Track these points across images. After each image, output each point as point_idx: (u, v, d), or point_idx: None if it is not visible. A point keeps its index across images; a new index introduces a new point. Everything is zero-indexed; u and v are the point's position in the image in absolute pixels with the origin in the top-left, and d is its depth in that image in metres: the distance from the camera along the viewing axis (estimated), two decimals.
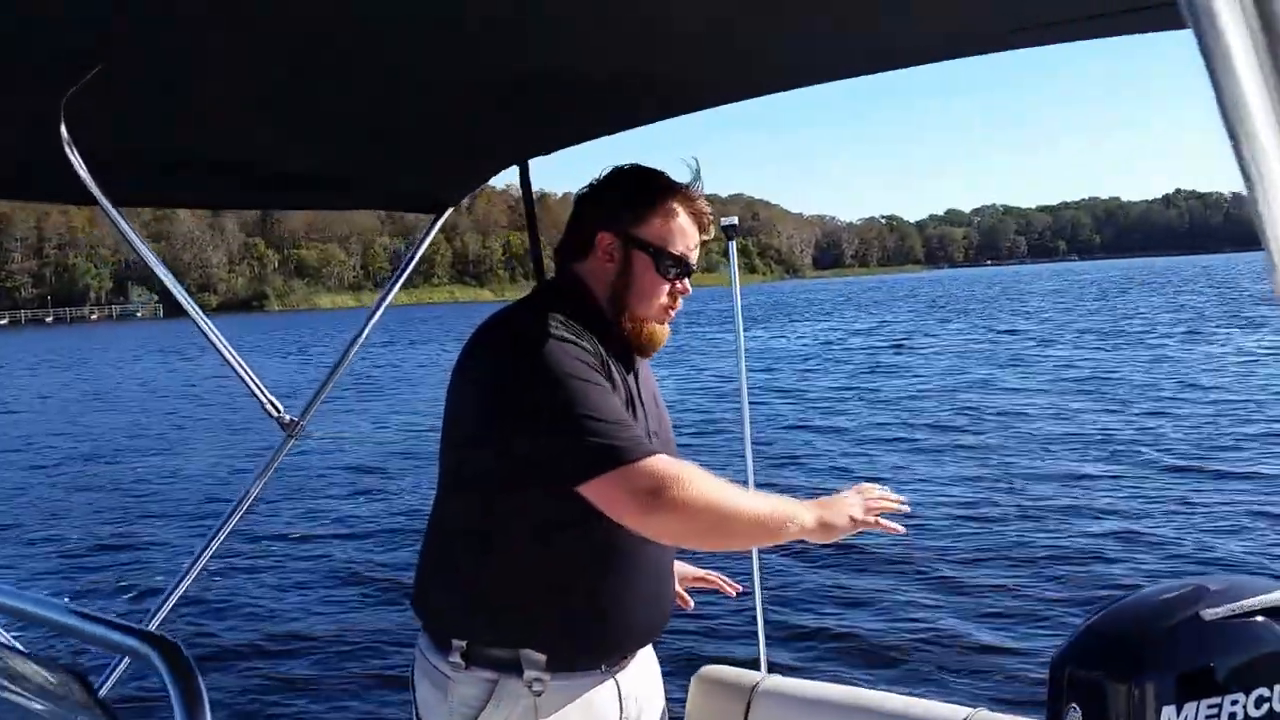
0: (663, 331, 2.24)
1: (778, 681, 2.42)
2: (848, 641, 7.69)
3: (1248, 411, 17.05)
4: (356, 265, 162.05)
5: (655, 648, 2.43)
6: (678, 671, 2.70)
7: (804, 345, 37.48)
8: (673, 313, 2.24)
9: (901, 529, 2.11)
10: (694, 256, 2.23)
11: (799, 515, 2.04)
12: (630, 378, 2.20)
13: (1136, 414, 17.62)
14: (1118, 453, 14.34)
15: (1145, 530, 10.29)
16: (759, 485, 2.89)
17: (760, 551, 3.33)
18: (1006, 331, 38.65)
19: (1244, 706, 2.62)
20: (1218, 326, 34.01)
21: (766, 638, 3.22)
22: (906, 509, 2.11)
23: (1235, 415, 16.77)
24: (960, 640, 7.60)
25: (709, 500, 1.96)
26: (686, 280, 2.23)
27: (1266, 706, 2.63)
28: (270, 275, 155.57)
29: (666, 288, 2.21)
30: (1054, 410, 18.60)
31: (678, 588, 2.57)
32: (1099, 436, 15.66)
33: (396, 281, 3.31)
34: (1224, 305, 46.24)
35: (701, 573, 2.67)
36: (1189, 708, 2.61)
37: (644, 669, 2.33)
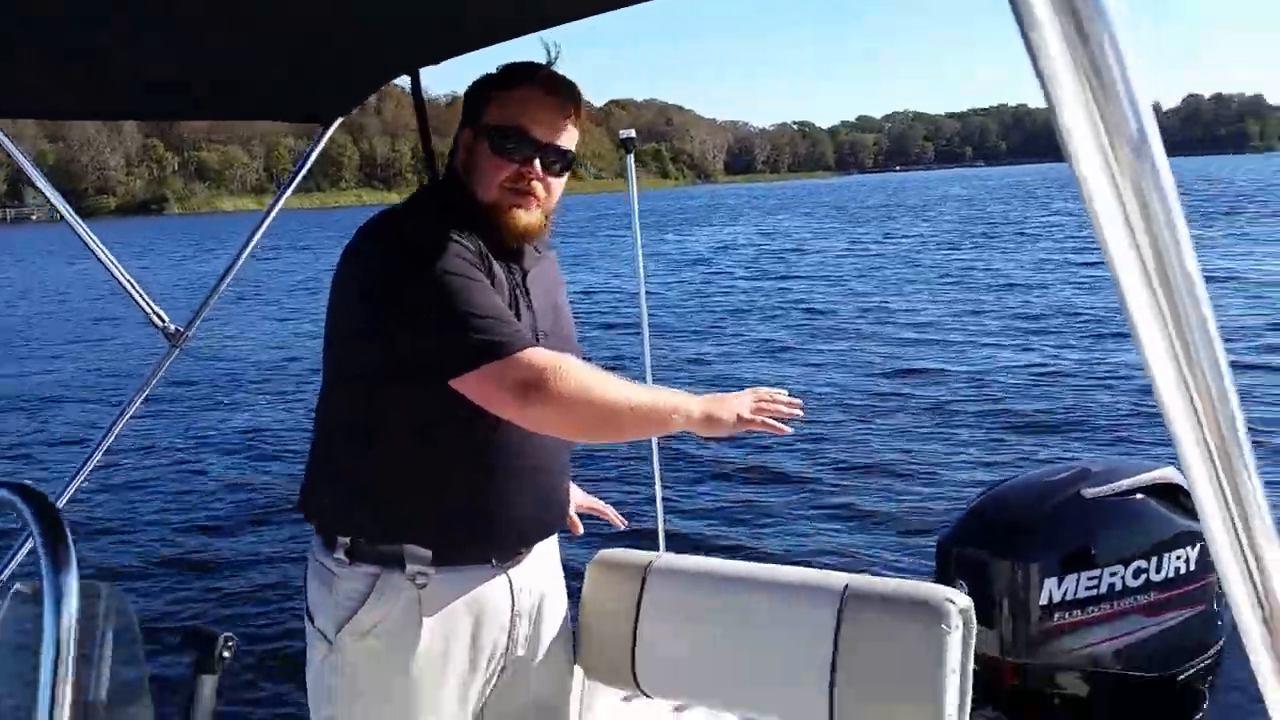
0: (528, 218, 2.14)
1: (670, 559, 2.46)
2: (744, 526, 7.97)
3: None
4: (259, 168, 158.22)
5: (561, 541, 2.44)
6: (582, 562, 2.72)
7: (712, 250, 37.60)
8: (531, 198, 2.13)
9: (789, 430, 2.11)
10: (553, 137, 2.14)
11: (684, 407, 2.04)
12: (517, 274, 2.17)
13: (1031, 312, 18.26)
14: (1010, 346, 14.94)
15: (1033, 418, 10.80)
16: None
17: (660, 444, 3.36)
18: (911, 236, 39.23)
19: (1122, 578, 2.74)
20: None
21: (666, 525, 3.27)
22: (799, 413, 2.12)
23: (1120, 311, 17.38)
24: (852, 524, 7.95)
25: (588, 391, 1.96)
26: (538, 162, 2.12)
27: (1144, 577, 2.75)
28: (170, 178, 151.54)
29: (510, 167, 2.11)
30: (953, 308, 19.18)
31: (571, 513, 2.57)
32: (995, 331, 16.25)
33: (283, 195, 3.21)
34: None
35: (593, 502, 2.68)
36: (1070, 580, 2.72)
37: (541, 562, 2.33)
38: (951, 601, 2.01)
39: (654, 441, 3.31)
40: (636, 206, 3.36)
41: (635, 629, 2.35)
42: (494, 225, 2.12)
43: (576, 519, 2.61)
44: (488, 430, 2.05)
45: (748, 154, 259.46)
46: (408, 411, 2.06)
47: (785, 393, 2.16)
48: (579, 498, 2.64)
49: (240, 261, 3.03)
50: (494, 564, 2.20)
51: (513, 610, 2.23)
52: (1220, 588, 2.83)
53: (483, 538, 2.16)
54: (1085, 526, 2.77)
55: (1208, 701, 2.89)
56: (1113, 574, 2.71)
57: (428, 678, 2.13)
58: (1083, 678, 2.79)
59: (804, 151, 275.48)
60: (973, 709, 2.88)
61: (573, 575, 2.48)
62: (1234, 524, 0.63)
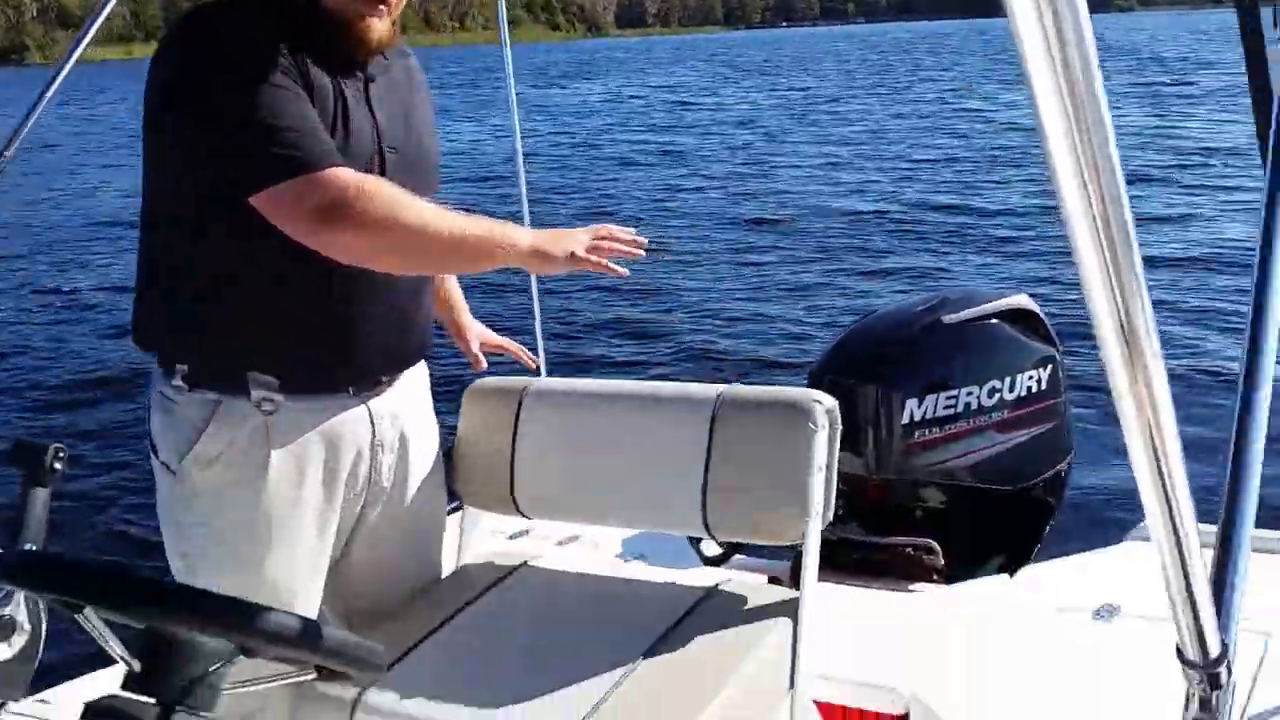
0: (381, 28, 1.94)
1: (546, 382, 2.51)
2: (622, 368, 8.20)
3: (1004, 153, 18.52)
4: (127, 14, 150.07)
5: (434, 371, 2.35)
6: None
7: (599, 103, 37.14)
8: (382, 6, 1.93)
9: (625, 272, 2.01)
10: None
11: (510, 238, 1.91)
12: (357, 82, 1.97)
13: (900, 162, 18.90)
14: (880, 192, 15.58)
15: (901, 255, 11.45)
16: None
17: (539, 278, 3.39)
18: (795, 90, 39.35)
19: (978, 397, 2.90)
20: (992, 85, 35.16)
21: (547, 353, 3.33)
22: (641, 253, 2.03)
23: (989, 155, 18.37)
24: (729, 359, 8.27)
25: (396, 216, 1.80)
26: None
27: (998, 396, 2.92)
28: (29, 25, 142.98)
29: None
30: (830, 157, 19.75)
31: (474, 349, 2.53)
32: (867, 179, 16.88)
33: (99, 15, 3.03)
34: (999, 67, 47.74)
35: (500, 340, 2.62)
36: (930, 400, 2.88)
37: (405, 393, 2.20)
38: (818, 402, 2.08)
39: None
40: (507, 40, 3.32)
41: (513, 454, 2.34)
42: (337, 35, 1.91)
43: (481, 356, 2.56)
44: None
45: (638, 6, 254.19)
46: (221, 223, 1.89)
47: (631, 231, 2.04)
48: (483, 334, 2.59)
49: (52, 89, 2.87)
50: (351, 393, 2.06)
51: (374, 440, 2.11)
52: (1067, 406, 3.02)
53: (330, 364, 2.01)
54: (944, 351, 2.92)
55: (1056, 512, 3.11)
56: (969, 394, 2.87)
57: (279, 508, 2.00)
58: (941, 491, 2.96)
59: (694, 5, 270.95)
60: (838, 523, 3.07)
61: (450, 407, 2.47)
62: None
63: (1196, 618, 1.02)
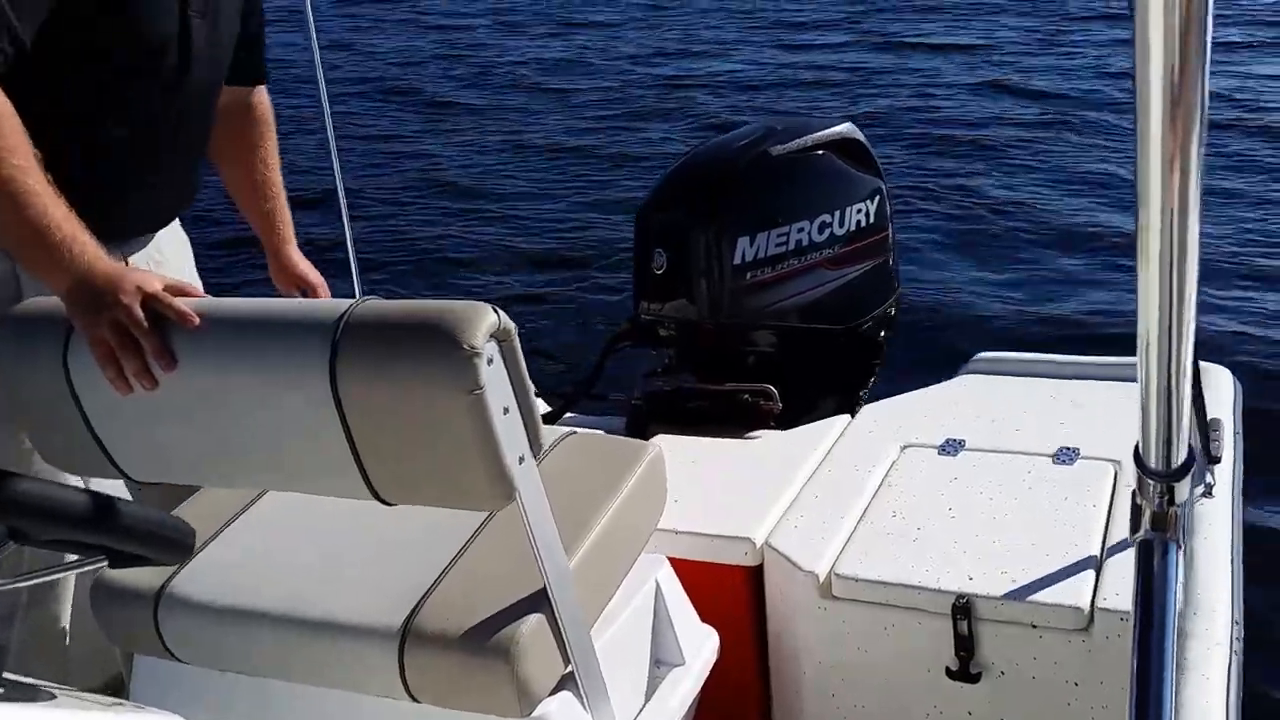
0: None
1: None
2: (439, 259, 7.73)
3: None
4: None
5: None
6: None
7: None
8: None
9: (128, 390, 1.57)
10: None
11: (73, 259, 1.59)
12: None
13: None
14: (692, 23, 14.84)
15: (722, 85, 11.12)
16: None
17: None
18: None
19: (809, 233, 2.80)
20: None
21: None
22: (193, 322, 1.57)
23: None
24: (558, 202, 8.05)
25: None
26: None
27: (828, 232, 2.82)
28: None
29: None
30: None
31: (281, 282, 2.37)
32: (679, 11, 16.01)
33: None
34: None
35: (307, 274, 2.40)
36: (761, 238, 2.76)
37: (166, 245, 2.16)
38: (474, 319, 1.47)
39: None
40: None
41: (81, 411, 1.69)
42: None
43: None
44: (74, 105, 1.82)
45: None
46: None
47: (190, 307, 1.58)
48: (297, 266, 2.38)
49: None
50: (109, 248, 1.75)
51: None
52: (894, 240, 2.96)
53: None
54: (774, 184, 2.81)
55: (885, 349, 3.07)
56: (800, 230, 2.78)
57: None
58: (773, 334, 2.88)
59: None
60: (671, 372, 2.96)
61: None
62: None
63: (1170, 422, 0.98)
